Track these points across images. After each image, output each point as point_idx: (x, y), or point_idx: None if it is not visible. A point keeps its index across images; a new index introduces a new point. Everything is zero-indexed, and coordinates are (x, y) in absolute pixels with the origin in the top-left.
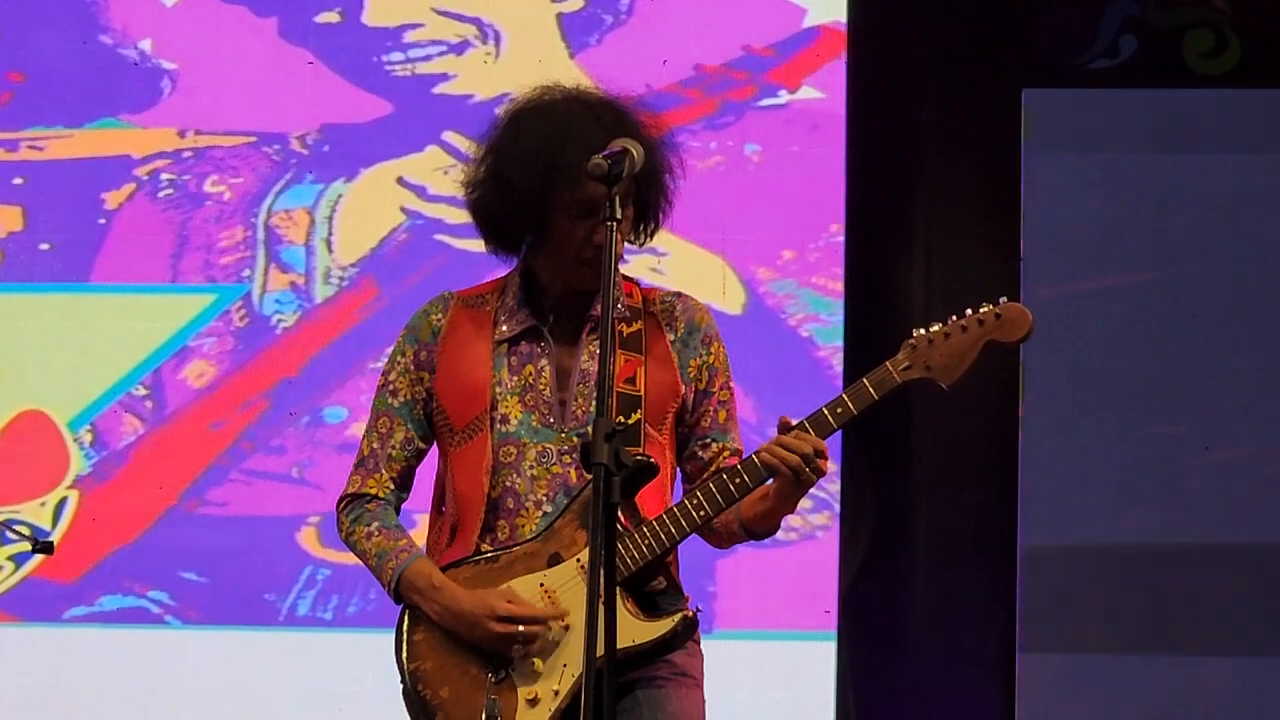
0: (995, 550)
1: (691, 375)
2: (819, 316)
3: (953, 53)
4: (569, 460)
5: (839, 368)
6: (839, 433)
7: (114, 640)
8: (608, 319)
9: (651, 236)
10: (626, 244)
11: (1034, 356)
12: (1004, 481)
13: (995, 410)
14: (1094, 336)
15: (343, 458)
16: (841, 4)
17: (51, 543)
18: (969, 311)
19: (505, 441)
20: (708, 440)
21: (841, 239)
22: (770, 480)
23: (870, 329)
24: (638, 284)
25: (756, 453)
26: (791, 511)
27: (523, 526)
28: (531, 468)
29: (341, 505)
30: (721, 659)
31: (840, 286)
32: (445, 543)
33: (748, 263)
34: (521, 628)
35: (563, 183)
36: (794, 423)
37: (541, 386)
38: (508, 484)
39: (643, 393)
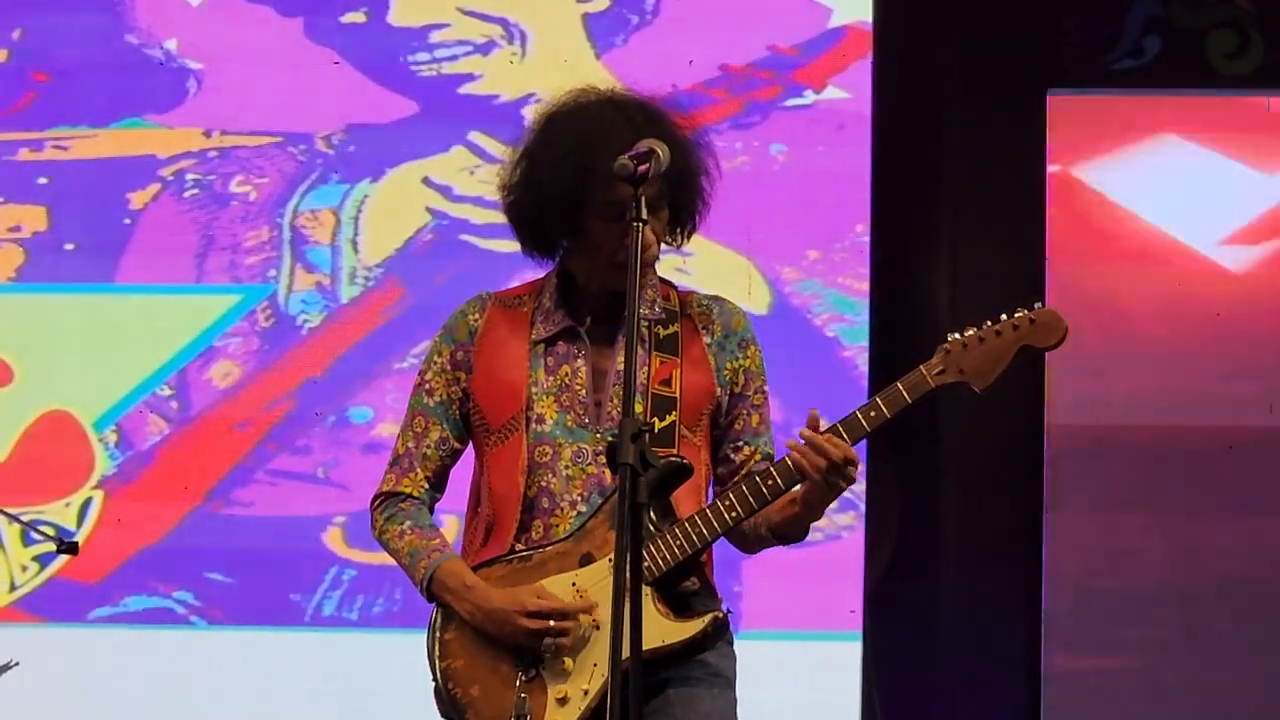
0: (1022, 551)
1: (727, 378)
2: (844, 317)
3: (978, 53)
4: (604, 460)
5: (864, 368)
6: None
7: (139, 641)
8: (634, 319)
9: (688, 238)
10: (662, 245)
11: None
12: (1030, 483)
13: (1021, 412)
14: (1120, 337)
15: (368, 458)
16: (867, 4)
17: (76, 543)
18: (1003, 316)
19: (541, 441)
20: (740, 444)
21: (867, 239)
22: (800, 485)
23: (895, 329)
24: (674, 287)
25: (788, 454)
26: (819, 518)
27: (557, 526)
28: (567, 468)
29: (375, 503)
30: (746, 659)
31: (866, 287)
32: (480, 542)
33: (773, 263)
34: (553, 622)
35: (595, 185)
36: (824, 423)
37: (577, 387)
38: (543, 484)
39: (678, 395)
